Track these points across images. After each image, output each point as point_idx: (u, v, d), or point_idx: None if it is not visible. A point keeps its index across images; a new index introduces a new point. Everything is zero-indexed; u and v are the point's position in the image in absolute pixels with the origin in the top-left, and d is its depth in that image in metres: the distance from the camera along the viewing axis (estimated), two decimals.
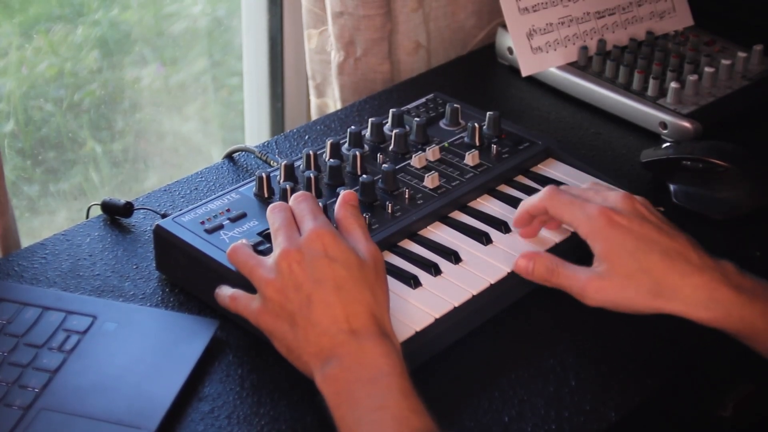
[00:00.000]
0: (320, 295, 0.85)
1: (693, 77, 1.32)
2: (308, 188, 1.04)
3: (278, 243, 0.89)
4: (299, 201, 0.93)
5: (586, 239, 0.95)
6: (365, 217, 1.00)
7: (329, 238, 0.87)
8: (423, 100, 1.25)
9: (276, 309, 0.86)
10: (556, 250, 1.01)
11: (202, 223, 1.00)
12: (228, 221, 1.00)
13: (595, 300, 0.93)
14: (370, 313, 0.85)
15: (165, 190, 1.17)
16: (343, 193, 0.94)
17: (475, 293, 0.96)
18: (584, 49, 1.39)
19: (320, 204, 0.95)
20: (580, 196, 0.97)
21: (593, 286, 0.92)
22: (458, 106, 1.20)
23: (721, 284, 0.91)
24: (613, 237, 0.93)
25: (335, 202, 0.95)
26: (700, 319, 0.91)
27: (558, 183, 1.12)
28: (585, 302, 0.93)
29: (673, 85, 1.30)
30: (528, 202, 1.01)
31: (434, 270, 0.98)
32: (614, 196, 0.97)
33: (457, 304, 0.95)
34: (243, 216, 1.01)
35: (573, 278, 0.94)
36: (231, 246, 0.92)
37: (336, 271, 0.86)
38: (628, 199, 0.96)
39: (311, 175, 1.04)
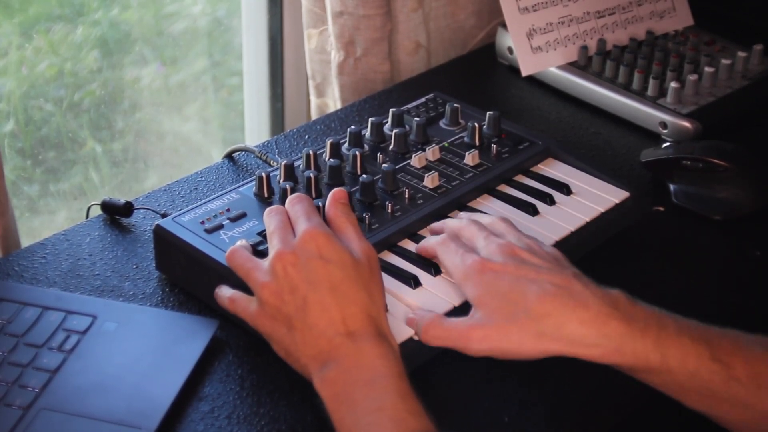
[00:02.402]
0: (316, 298, 0.85)
1: (693, 77, 1.32)
2: (308, 188, 1.04)
3: (273, 245, 0.88)
4: (294, 203, 0.93)
5: (459, 286, 0.90)
6: (365, 217, 1.00)
7: (323, 239, 0.87)
8: (423, 99, 1.25)
9: (273, 312, 0.86)
10: None
11: (202, 222, 1.00)
12: (228, 221, 1.00)
13: (480, 349, 0.85)
14: (366, 314, 0.85)
15: (165, 190, 1.17)
16: (333, 191, 0.94)
17: None
18: (584, 48, 1.39)
19: (318, 204, 0.95)
20: (468, 242, 0.93)
21: (476, 334, 0.85)
22: (458, 105, 1.20)
23: (610, 317, 0.83)
24: (484, 282, 0.87)
25: None
26: (590, 357, 0.84)
27: (559, 182, 1.12)
28: (469, 352, 0.86)
29: (673, 84, 1.30)
30: (424, 242, 0.97)
31: (434, 270, 0.98)
32: (494, 244, 0.91)
33: (457, 304, 0.95)
34: (243, 216, 1.01)
35: (453, 330, 0.86)
36: (229, 249, 0.92)
37: (331, 272, 0.86)
38: (507, 247, 0.90)
39: (311, 174, 1.04)
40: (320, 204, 0.95)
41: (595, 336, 0.83)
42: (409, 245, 1.02)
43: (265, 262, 0.88)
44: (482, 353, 0.86)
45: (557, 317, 0.84)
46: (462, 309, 0.95)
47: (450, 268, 0.92)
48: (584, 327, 0.83)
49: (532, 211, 1.07)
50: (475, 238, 0.93)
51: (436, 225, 1.00)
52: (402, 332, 0.91)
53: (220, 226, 0.99)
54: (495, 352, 0.85)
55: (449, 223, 0.98)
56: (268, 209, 0.93)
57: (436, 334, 0.87)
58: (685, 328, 0.84)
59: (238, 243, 0.94)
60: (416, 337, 0.90)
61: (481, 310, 0.86)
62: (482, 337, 0.85)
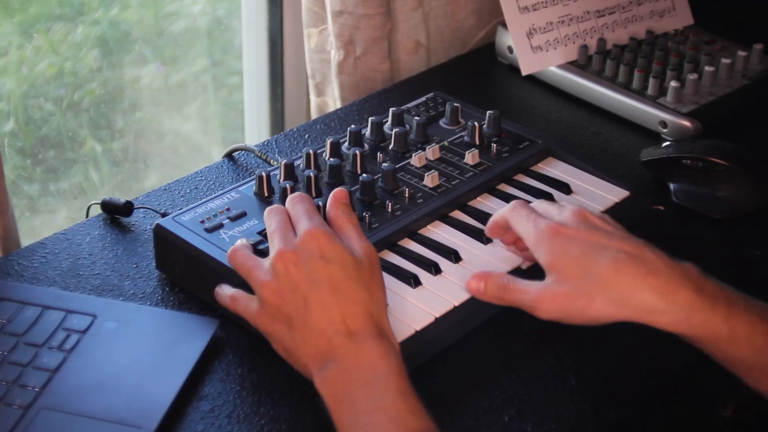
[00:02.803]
0: (317, 297, 0.85)
1: (693, 76, 1.32)
2: (308, 187, 1.04)
3: (274, 245, 0.88)
4: (294, 202, 0.93)
5: (533, 251, 0.91)
6: (366, 216, 1.00)
7: (324, 239, 0.87)
8: (423, 99, 1.25)
9: (273, 311, 0.86)
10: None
11: (202, 222, 1.00)
12: (228, 220, 1.00)
13: (547, 312, 0.88)
14: (367, 314, 0.85)
15: (165, 189, 1.17)
16: (334, 191, 0.94)
17: None
18: (584, 48, 1.39)
19: (319, 203, 0.95)
20: (540, 213, 0.94)
21: (544, 297, 0.88)
22: (458, 105, 1.20)
23: (680, 286, 0.85)
24: (557, 246, 0.89)
25: None
26: (659, 323, 0.86)
27: (559, 181, 1.12)
28: (537, 315, 0.89)
29: (673, 84, 1.30)
30: (497, 213, 0.98)
31: (434, 269, 0.98)
32: (567, 210, 0.93)
33: (457, 303, 0.95)
34: (243, 215, 1.01)
35: (524, 292, 0.89)
36: (231, 248, 0.92)
37: (332, 271, 0.86)
38: (580, 213, 0.92)
39: (311, 174, 1.04)
40: (320, 203, 0.95)
41: (665, 304, 0.85)
42: (409, 244, 1.02)
43: (266, 261, 0.88)
44: (550, 317, 0.88)
45: (628, 284, 0.86)
46: (461, 309, 0.95)
47: (522, 233, 0.93)
48: (654, 294, 0.85)
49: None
50: (548, 208, 0.95)
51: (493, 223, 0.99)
52: (405, 330, 0.91)
53: (220, 226, 0.99)
54: (562, 317, 0.88)
55: (509, 204, 0.97)
56: (268, 208, 0.93)
57: (506, 294, 0.90)
58: (754, 306, 0.87)
59: (239, 242, 0.94)
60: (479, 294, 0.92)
61: (553, 275, 0.88)
62: (551, 300, 0.88)
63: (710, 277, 0.88)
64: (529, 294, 0.89)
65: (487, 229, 1.00)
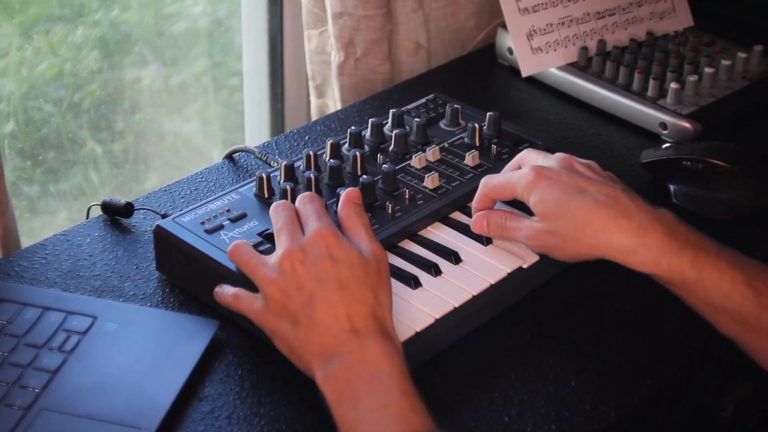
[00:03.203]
0: (323, 295, 0.85)
1: (693, 78, 1.32)
2: (308, 189, 1.04)
3: (281, 242, 0.88)
4: (306, 202, 0.93)
5: (523, 198, 0.97)
6: None
7: (333, 239, 0.87)
8: (423, 100, 1.25)
9: (278, 308, 0.86)
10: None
11: (203, 223, 1.00)
12: (228, 221, 1.00)
13: (533, 246, 0.97)
14: (372, 313, 0.85)
15: (165, 191, 1.17)
16: (347, 191, 0.94)
17: (475, 293, 0.96)
18: (584, 49, 1.39)
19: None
20: (527, 162, 1.00)
21: (530, 233, 0.96)
22: (458, 106, 1.20)
23: (651, 229, 0.90)
24: (542, 188, 0.94)
25: (336, 202, 0.95)
26: (628, 263, 0.91)
27: None
28: (528, 248, 0.98)
29: (673, 85, 1.31)
30: (473, 204, 1.03)
31: (434, 270, 0.98)
32: (553, 158, 0.99)
33: (457, 305, 0.95)
34: (243, 216, 1.01)
35: (517, 229, 0.98)
36: (232, 244, 0.92)
37: (339, 271, 0.86)
38: (565, 159, 0.98)
39: (311, 175, 1.04)
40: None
41: (633, 245, 0.90)
42: (409, 246, 1.02)
43: (271, 258, 0.88)
44: (536, 250, 0.99)
45: (600, 225, 0.92)
46: (461, 310, 0.95)
47: (514, 185, 0.97)
48: (624, 236, 0.91)
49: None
50: (535, 156, 1.01)
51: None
52: (405, 331, 0.91)
53: (221, 227, 0.99)
54: (543, 250, 0.97)
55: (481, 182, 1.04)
56: (275, 204, 0.93)
57: (507, 233, 0.99)
58: (724, 253, 0.90)
59: (240, 241, 0.94)
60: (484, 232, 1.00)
61: (538, 214, 0.96)
62: (534, 235, 0.96)
63: (685, 224, 0.92)
64: (520, 231, 0.97)
65: (472, 225, 1.03)
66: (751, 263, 0.91)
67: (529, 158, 1.01)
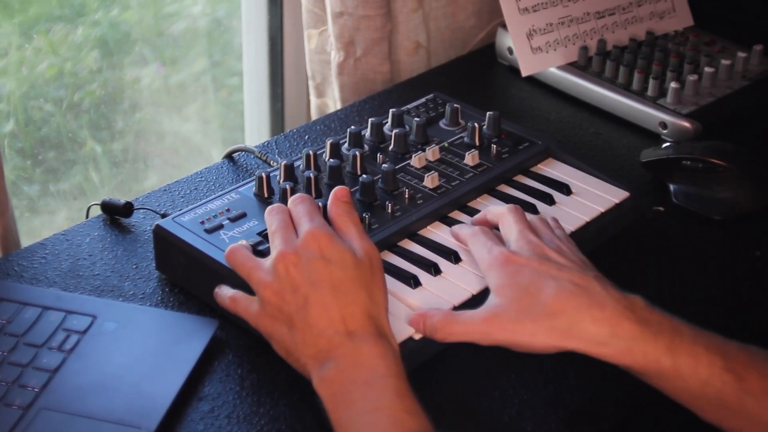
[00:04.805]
0: (317, 297, 0.85)
1: (693, 77, 1.32)
2: (308, 188, 1.04)
3: (275, 245, 0.89)
4: (296, 203, 0.93)
5: (484, 276, 0.92)
6: (365, 217, 1.00)
7: (325, 240, 0.87)
8: (423, 100, 1.25)
9: (274, 311, 0.87)
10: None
11: (202, 222, 1.00)
12: (228, 221, 1.00)
13: (495, 340, 0.87)
14: (366, 314, 0.85)
15: (165, 190, 1.17)
16: (335, 189, 0.94)
17: (474, 293, 0.96)
18: (584, 49, 1.39)
19: (320, 204, 0.95)
20: (497, 240, 0.95)
21: (491, 326, 0.86)
22: (458, 106, 1.20)
23: (623, 318, 0.84)
24: (506, 272, 0.89)
25: None
26: (602, 355, 0.85)
27: (558, 182, 1.12)
28: (485, 344, 0.87)
29: (673, 85, 1.30)
30: (458, 228, 1.00)
31: (434, 270, 0.98)
32: (525, 241, 0.92)
33: (456, 304, 0.95)
34: (243, 216, 1.01)
35: (468, 326, 0.87)
36: (229, 247, 0.92)
37: (332, 272, 0.86)
38: (537, 246, 0.92)
39: (311, 175, 1.04)
40: (320, 204, 0.95)
41: (607, 335, 0.84)
42: (409, 245, 1.02)
43: (266, 262, 0.88)
44: (497, 344, 0.87)
45: (572, 315, 0.85)
46: (460, 309, 0.95)
47: (477, 258, 0.94)
48: (597, 326, 0.85)
49: (532, 211, 1.07)
50: (510, 229, 0.95)
51: (479, 215, 1.02)
52: (402, 332, 0.91)
53: (220, 226, 0.99)
54: (509, 344, 0.87)
55: (491, 209, 1.01)
56: (269, 208, 0.93)
57: (452, 330, 0.88)
58: (701, 337, 0.85)
59: (239, 243, 0.94)
60: (417, 336, 0.90)
61: (499, 299, 0.88)
62: (498, 329, 0.86)
63: (657, 309, 0.87)
64: (476, 324, 0.87)
65: (450, 231, 1.01)
66: (729, 345, 0.85)
67: (506, 222, 0.96)
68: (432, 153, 1.12)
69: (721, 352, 0.84)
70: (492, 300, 0.88)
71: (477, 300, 0.96)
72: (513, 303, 0.87)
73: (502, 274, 0.89)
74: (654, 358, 0.84)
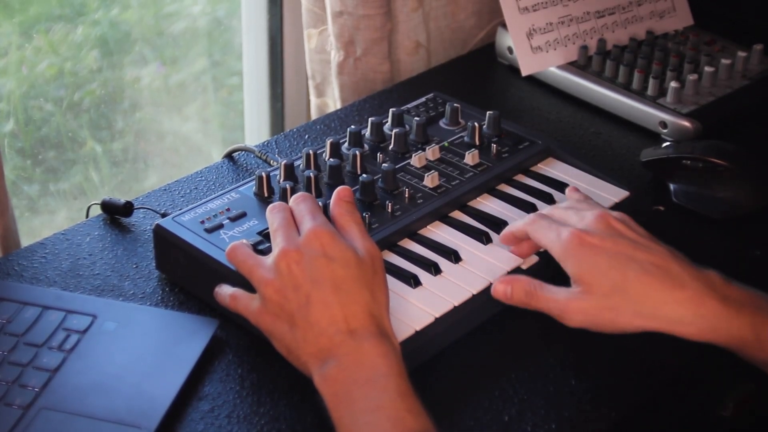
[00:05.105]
0: (319, 296, 0.85)
1: (693, 77, 1.32)
2: (308, 188, 1.04)
3: (277, 243, 0.89)
4: (299, 201, 0.93)
5: (560, 262, 0.92)
6: (366, 217, 1.00)
7: (328, 238, 0.87)
8: (423, 99, 1.25)
9: (275, 309, 0.86)
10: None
11: (202, 222, 1.00)
12: (228, 220, 1.00)
13: (576, 321, 0.90)
14: (368, 313, 0.85)
15: (165, 190, 1.17)
16: (338, 189, 0.94)
17: (475, 292, 0.96)
18: (584, 48, 1.39)
19: (320, 203, 0.95)
20: (559, 220, 0.95)
21: (573, 307, 0.90)
22: (458, 105, 1.20)
23: (706, 297, 0.87)
24: (584, 257, 0.90)
25: None
26: (686, 334, 0.88)
27: (559, 182, 1.12)
28: (566, 324, 0.91)
29: (673, 84, 1.30)
30: (514, 224, 0.99)
31: (434, 269, 0.98)
32: (589, 216, 0.94)
33: (457, 304, 0.95)
34: (243, 215, 1.01)
35: (552, 300, 0.91)
36: (230, 245, 0.92)
37: (334, 271, 0.86)
38: (603, 219, 0.93)
39: (311, 174, 1.04)
40: (320, 203, 0.95)
41: (691, 316, 0.87)
42: (409, 245, 1.02)
43: (268, 259, 0.88)
44: (578, 325, 0.90)
45: (655, 298, 0.88)
46: (461, 309, 0.95)
47: (547, 244, 0.94)
48: (681, 307, 0.88)
49: (532, 210, 1.07)
50: (567, 215, 0.96)
51: (506, 234, 1.00)
52: (405, 330, 0.91)
53: (220, 226, 0.99)
54: (589, 326, 0.90)
55: (514, 224, 0.99)
56: (271, 205, 0.93)
57: (533, 301, 0.92)
58: None
59: (240, 241, 0.94)
60: (497, 295, 0.93)
61: (581, 286, 0.90)
62: (579, 310, 0.89)
63: (734, 282, 0.90)
64: (557, 303, 0.91)
65: (500, 237, 1.01)
66: None
67: (558, 216, 0.96)
68: (432, 152, 1.12)
69: None
70: (575, 286, 0.90)
71: (477, 299, 0.96)
72: (594, 289, 0.89)
73: (580, 261, 0.90)
74: (737, 334, 0.87)
